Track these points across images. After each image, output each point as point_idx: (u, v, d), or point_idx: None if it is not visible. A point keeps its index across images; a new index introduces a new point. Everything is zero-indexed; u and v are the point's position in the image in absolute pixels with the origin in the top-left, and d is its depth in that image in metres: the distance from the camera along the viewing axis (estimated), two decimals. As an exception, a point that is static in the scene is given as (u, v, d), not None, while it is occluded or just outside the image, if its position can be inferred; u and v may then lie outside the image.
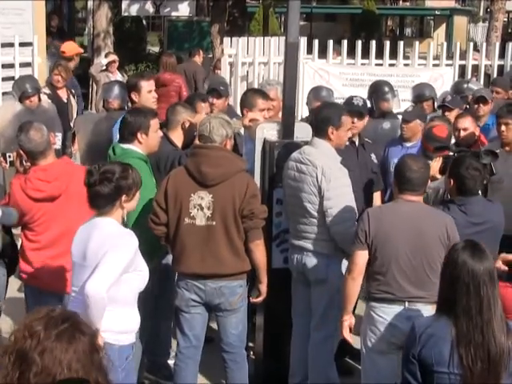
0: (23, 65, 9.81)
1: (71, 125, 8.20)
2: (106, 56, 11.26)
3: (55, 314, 2.31)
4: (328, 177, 4.71)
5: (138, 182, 3.96)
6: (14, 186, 4.53)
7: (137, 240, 3.83)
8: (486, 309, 3.13)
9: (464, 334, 3.13)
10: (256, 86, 10.12)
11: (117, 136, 5.50)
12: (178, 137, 5.43)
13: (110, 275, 3.65)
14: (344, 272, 4.87)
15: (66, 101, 8.58)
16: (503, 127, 5.83)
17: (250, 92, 6.33)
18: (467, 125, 6.13)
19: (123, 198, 3.88)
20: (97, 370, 2.22)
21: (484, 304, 3.13)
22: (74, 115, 8.55)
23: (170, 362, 5.29)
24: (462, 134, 6.04)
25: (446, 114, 6.83)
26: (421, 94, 7.48)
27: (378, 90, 7.58)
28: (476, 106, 7.26)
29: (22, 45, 9.90)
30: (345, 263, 4.89)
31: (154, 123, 4.97)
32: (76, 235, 3.98)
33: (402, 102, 8.60)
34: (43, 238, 4.58)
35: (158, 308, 5.06)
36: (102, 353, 2.27)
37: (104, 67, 10.94)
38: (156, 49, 21.05)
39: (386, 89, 7.57)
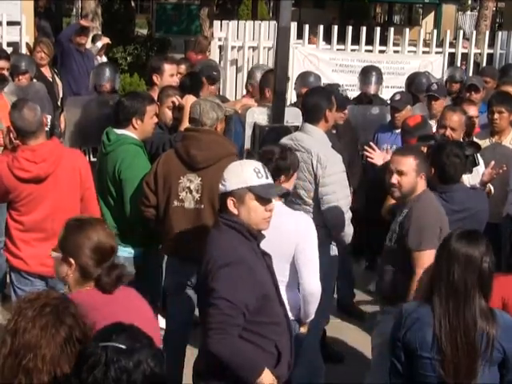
0: (11, 44, 9.71)
1: (58, 104, 8.13)
2: (93, 38, 11.14)
3: (43, 296, 2.29)
4: (324, 163, 4.70)
5: (295, 163, 4.07)
6: (1, 163, 4.47)
7: None
8: (460, 294, 3.11)
9: (438, 317, 3.13)
10: (245, 70, 10.10)
11: None
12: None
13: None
14: (333, 258, 4.91)
15: (51, 80, 8.48)
16: (496, 115, 5.86)
17: (271, 73, 6.33)
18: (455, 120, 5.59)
19: (282, 178, 3.95)
20: (68, 362, 2.19)
21: (458, 289, 3.11)
22: (61, 94, 8.47)
23: (157, 345, 5.29)
24: (449, 132, 5.49)
25: (432, 103, 6.76)
26: (419, 83, 7.51)
27: (364, 75, 7.63)
28: (468, 93, 7.26)
29: (9, 24, 9.81)
30: (334, 250, 4.91)
31: (151, 109, 4.93)
32: None
33: (391, 89, 8.64)
34: (27, 220, 4.53)
35: (145, 291, 5.04)
36: (79, 346, 2.23)
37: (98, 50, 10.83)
38: (144, 31, 20.88)
39: (372, 73, 7.61)
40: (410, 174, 4.25)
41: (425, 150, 4.93)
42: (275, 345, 3.26)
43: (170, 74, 5.98)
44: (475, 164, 4.88)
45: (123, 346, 2.05)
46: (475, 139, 5.81)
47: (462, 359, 3.10)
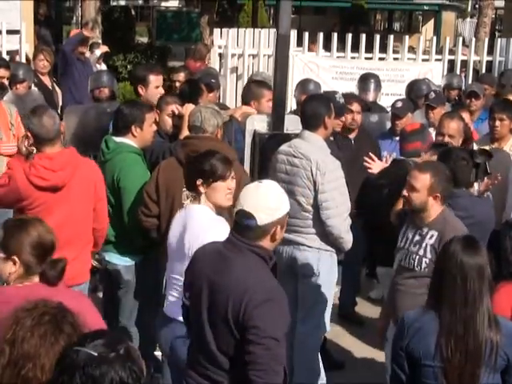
0: (11, 53, 9.73)
1: (58, 112, 8.13)
2: (91, 47, 11.16)
3: (41, 305, 2.28)
4: (323, 170, 4.71)
5: (215, 170, 3.95)
6: (16, 169, 4.42)
7: None
8: (470, 303, 3.12)
9: (446, 325, 3.13)
10: (245, 78, 10.11)
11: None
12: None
13: None
14: (332, 265, 4.91)
15: (50, 88, 8.50)
16: (497, 122, 5.87)
17: (253, 84, 6.28)
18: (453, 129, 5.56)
19: (198, 182, 3.94)
20: None
21: (469, 298, 3.12)
22: (60, 102, 8.49)
23: (157, 353, 5.28)
24: (447, 140, 5.49)
25: (430, 112, 6.75)
26: (419, 90, 7.51)
27: (362, 82, 7.62)
28: (468, 100, 7.26)
29: (9, 32, 9.82)
30: (334, 257, 4.90)
31: (150, 117, 4.94)
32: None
33: (391, 96, 8.64)
34: None
35: (145, 298, 5.04)
36: None
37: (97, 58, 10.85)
38: (145, 39, 20.96)
39: (371, 80, 7.60)
40: (421, 192, 4.15)
41: (434, 157, 4.90)
42: (284, 368, 3.22)
43: (156, 85, 5.85)
44: (487, 172, 4.84)
45: (94, 353, 2.01)
46: (475, 146, 5.81)
47: (467, 367, 3.11)
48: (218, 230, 3.71)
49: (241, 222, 3.11)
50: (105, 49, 10.93)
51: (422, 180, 4.16)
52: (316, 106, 4.87)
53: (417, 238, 4.22)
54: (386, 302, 4.59)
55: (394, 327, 4.23)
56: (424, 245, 4.17)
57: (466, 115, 6.25)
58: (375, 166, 5.39)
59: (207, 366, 3.19)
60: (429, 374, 3.15)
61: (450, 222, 4.18)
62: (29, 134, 4.43)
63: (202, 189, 3.95)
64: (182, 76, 7.01)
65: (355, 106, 6.30)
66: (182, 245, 3.93)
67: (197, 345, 3.25)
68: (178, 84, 6.81)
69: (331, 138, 5.65)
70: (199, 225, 3.88)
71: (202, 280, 3.20)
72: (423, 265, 4.16)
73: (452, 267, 3.15)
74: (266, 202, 3.12)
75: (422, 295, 3.97)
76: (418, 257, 4.18)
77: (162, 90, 5.93)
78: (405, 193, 4.22)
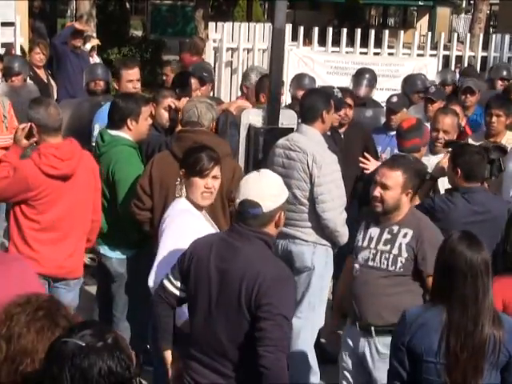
0: (5, 45, 9.68)
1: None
2: (85, 40, 11.11)
3: (34, 299, 2.26)
4: (319, 163, 4.71)
5: (195, 165, 3.94)
6: (26, 162, 4.39)
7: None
8: (480, 299, 3.12)
9: (456, 322, 3.12)
10: (240, 72, 10.10)
11: (99, 122, 5.45)
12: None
13: None
14: (328, 259, 4.91)
15: (46, 81, 8.48)
16: (494, 118, 5.87)
17: (266, 78, 6.30)
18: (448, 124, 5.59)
19: (181, 172, 4.02)
20: None
21: (479, 294, 3.11)
22: (55, 96, 8.47)
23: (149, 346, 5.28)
24: (442, 135, 5.53)
25: (429, 106, 6.78)
26: (413, 85, 7.52)
27: (356, 77, 7.62)
28: (463, 96, 7.27)
29: (3, 25, 9.78)
30: (329, 251, 4.91)
31: (145, 110, 4.93)
32: None
33: (385, 91, 8.65)
34: (44, 219, 4.44)
35: (138, 292, 5.03)
36: None
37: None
38: (139, 33, 20.88)
39: (365, 75, 7.59)
40: (394, 190, 4.01)
41: (446, 158, 4.88)
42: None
43: (128, 79, 5.83)
44: (501, 169, 4.84)
45: (82, 344, 2.00)
46: (470, 141, 5.81)
47: (471, 364, 3.11)
48: (182, 220, 3.83)
49: (246, 212, 3.20)
50: (94, 42, 10.87)
51: (395, 177, 4.02)
52: (314, 100, 4.89)
53: (386, 236, 4.07)
54: (342, 303, 4.40)
55: (352, 329, 4.20)
56: (398, 244, 4.02)
57: (458, 109, 6.27)
58: (371, 166, 5.38)
59: (215, 357, 3.23)
60: (431, 371, 3.14)
61: (423, 220, 4.08)
62: (33, 125, 4.42)
63: (183, 180, 4.03)
64: (168, 70, 7.10)
65: (348, 101, 6.30)
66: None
67: (203, 336, 3.26)
68: (164, 77, 6.89)
69: (328, 133, 5.66)
70: (168, 214, 3.99)
71: (209, 271, 3.23)
72: (398, 264, 4.01)
73: (462, 266, 3.11)
74: (269, 189, 3.23)
75: (394, 295, 3.93)
76: (392, 256, 4.02)
77: (136, 85, 5.89)
78: (376, 193, 4.04)
